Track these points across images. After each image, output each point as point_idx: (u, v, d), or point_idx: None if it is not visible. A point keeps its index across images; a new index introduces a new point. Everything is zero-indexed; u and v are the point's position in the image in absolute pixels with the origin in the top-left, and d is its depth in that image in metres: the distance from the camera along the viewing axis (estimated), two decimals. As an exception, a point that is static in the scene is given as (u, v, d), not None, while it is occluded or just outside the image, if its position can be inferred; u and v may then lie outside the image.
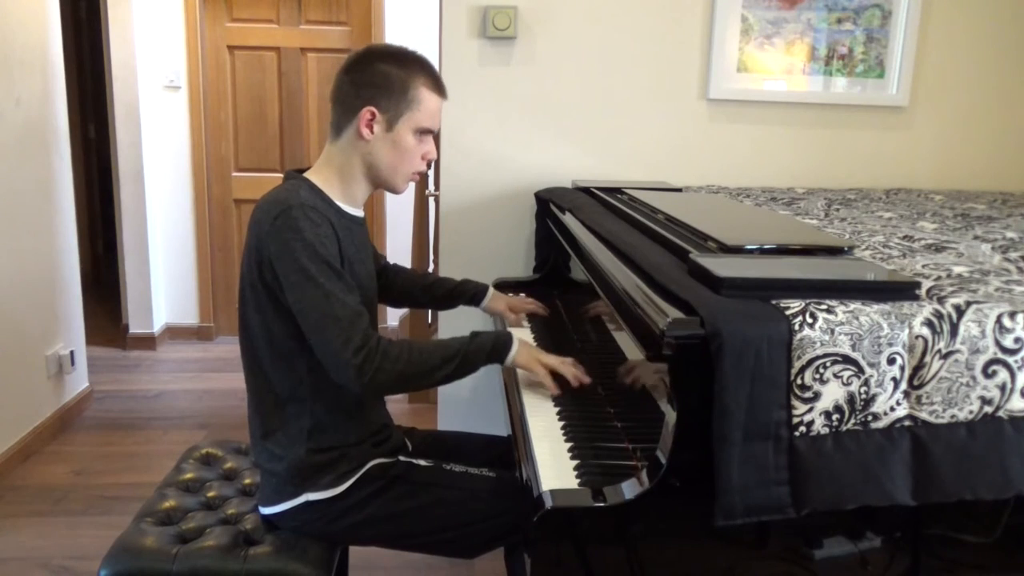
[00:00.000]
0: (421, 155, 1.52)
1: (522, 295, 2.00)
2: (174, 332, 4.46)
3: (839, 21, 2.49)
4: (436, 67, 1.54)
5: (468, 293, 1.91)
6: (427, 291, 1.90)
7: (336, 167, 1.51)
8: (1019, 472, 1.05)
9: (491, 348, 1.47)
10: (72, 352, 3.30)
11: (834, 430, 1.02)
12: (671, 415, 1.05)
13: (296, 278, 1.36)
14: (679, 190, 2.23)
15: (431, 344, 1.43)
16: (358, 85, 1.46)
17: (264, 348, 1.46)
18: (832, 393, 1.01)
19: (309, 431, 1.47)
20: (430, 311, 3.63)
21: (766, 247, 1.27)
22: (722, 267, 1.12)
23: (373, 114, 1.45)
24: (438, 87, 1.50)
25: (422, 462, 1.55)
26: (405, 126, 1.47)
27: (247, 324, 1.47)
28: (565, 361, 1.52)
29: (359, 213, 1.56)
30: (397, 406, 3.49)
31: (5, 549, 2.38)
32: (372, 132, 1.46)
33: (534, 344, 1.83)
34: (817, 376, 1.01)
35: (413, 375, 1.39)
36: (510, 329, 1.84)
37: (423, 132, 1.50)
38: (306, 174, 1.52)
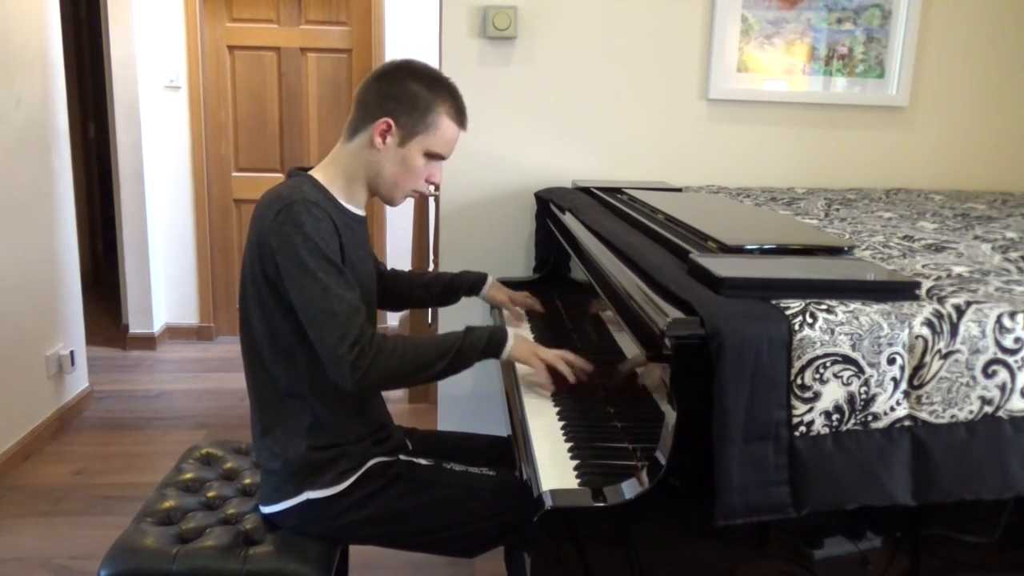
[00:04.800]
0: (426, 177, 1.54)
1: (524, 293, 2.00)
2: (174, 332, 4.46)
3: (839, 21, 2.49)
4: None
5: (467, 284, 1.92)
6: (426, 289, 1.90)
7: (342, 167, 1.53)
8: (1019, 472, 1.05)
9: (487, 343, 1.47)
10: (72, 352, 3.30)
11: (834, 430, 1.02)
12: (671, 415, 1.05)
13: (296, 272, 1.37)
14: (679, 190, 2.23)
15: (426, 340, 1.44)
16: (383, 95, 1.48)
17: (264, 343, 1.46)
18: (832, 393, 1.01)
19: (308, 427, 1.47)
20: (429, 310, 3.63)
21: (766, 247, 1.27)
22: (722, 267, 1.12)
23: (389, 126, 1.47)
24: (459, 117, 1.53)
25: (423, 461, 1.55)
26: (417, 146, 1.49)
27: (248, 319, 1.48)
28: (562, 355, 1.51)
29: (360, 212, 1.57)
30: (397, 406, 3.49)
31: (5, 549, 2.38)
32: (384, 143, 1.48)
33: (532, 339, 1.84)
34: (817, 376, 1.01)
35: (407, 371, 1.40)
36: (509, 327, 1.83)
37: (433, 156, 1.52)
38: (311, 172, 1.53)
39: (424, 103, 1.48)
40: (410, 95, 1.47)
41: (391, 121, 1.47)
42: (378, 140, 1.48)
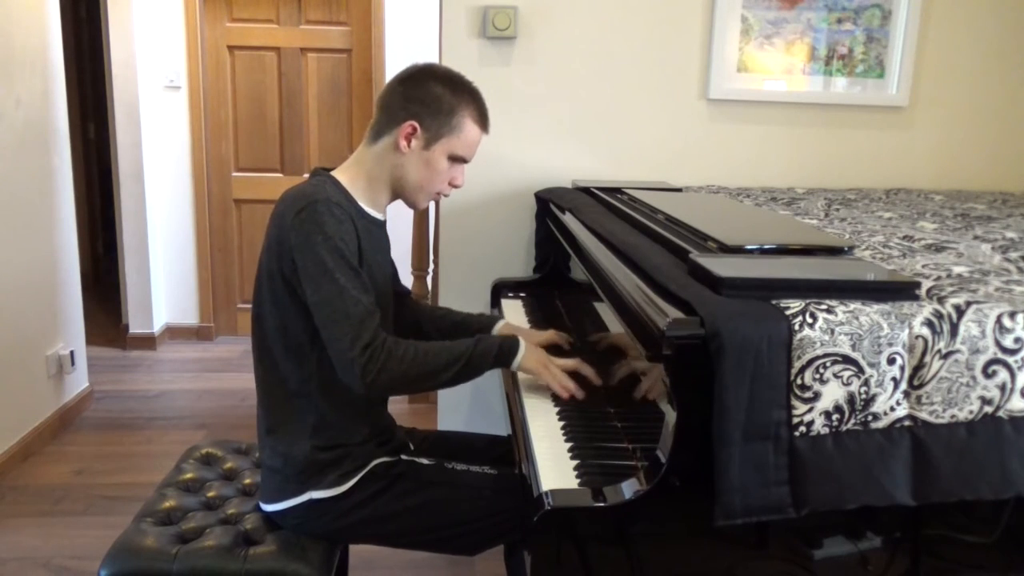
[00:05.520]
0: (449, 180, 1.55)
1: (551, 330, 1.79)
2: (174, 332, 4.46)
3: (839, 21, 2.49)
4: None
5: (473, 327, 1.76)
6: (434, 323, 1.80)
7: (365, 170, 1.53)
8: (1019, 472, 1.05)
9: (497, 351, 1.47)
10: (72, 352, 3.30)
11: (834, 430, 1.02)
12: (671, 415, 1.06)
13: (314, 271, 1.37)
14: (679, 190, 2.23)
15: (437, 346, 1.44)
16: (407, 98, 1.49)
17: (276, 340, 1.47)
18: (832, 393, 1.01)
19: (313, 427, 1.48)
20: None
21: (766, 247, 1.27)
22: (722, 267, 1.12)
23: (414, 129, 1.48)
24: (482, 120, 1.54)
25: (424, 460, 1.56)
26: (441, 149, 1.50)
27: (261, 316, 1.48)
28: (575, 366, 1.51)
29: (380, 216, 1.58)
30: (398, 406, 3.50)
31: (5, 549, 2.38)
32: (409, 146, 1.49)
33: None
34: (817, 376, 1.01)
35: (417, 376, 1.40)
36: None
37: (457, 159, 1.53)
38: (333, 172, 1.54)
39: (448, 106, 1.49)
40: (434, 98, 1.48)
41: (416, 124, 1.48)
42: (403, 143, 1.49)
